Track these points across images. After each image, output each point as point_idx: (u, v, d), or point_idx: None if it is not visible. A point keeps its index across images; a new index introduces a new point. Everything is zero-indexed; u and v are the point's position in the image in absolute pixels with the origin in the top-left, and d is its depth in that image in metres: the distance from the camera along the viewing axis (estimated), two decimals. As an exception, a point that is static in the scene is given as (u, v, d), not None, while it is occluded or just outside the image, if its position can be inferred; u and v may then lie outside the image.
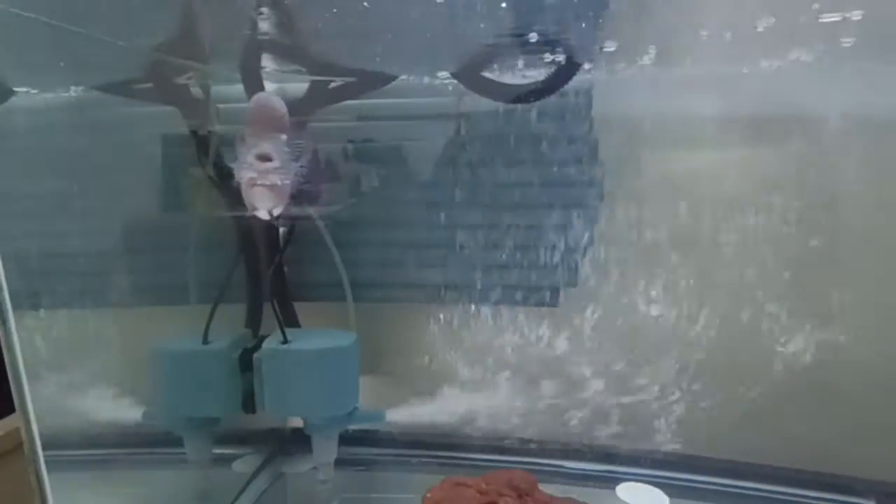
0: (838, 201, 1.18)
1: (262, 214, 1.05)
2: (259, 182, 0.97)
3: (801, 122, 1.17)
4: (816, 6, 0.98)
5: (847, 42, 1.05)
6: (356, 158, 1.34)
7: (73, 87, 1.17)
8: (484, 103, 1.26)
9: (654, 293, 1.26)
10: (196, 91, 1.16)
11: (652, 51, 1.14)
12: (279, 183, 0.99)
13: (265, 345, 1.15)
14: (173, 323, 1.30)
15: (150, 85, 1.11)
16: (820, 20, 1.01)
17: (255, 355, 1.15)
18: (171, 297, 1.33)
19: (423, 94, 1.27)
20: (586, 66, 1.18)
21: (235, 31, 1.09)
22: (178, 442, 1.19)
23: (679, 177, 1.24)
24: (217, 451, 1.22)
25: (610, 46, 1.13)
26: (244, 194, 1.02)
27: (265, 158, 0.96)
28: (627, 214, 1.25)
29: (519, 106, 1.25)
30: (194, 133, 1.18)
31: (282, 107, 1.00)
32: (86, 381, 1.28)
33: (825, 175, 1.19)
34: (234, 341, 1.18)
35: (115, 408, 1.26)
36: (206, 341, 1.16)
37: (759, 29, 1.01)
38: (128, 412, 1.24)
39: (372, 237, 1.39)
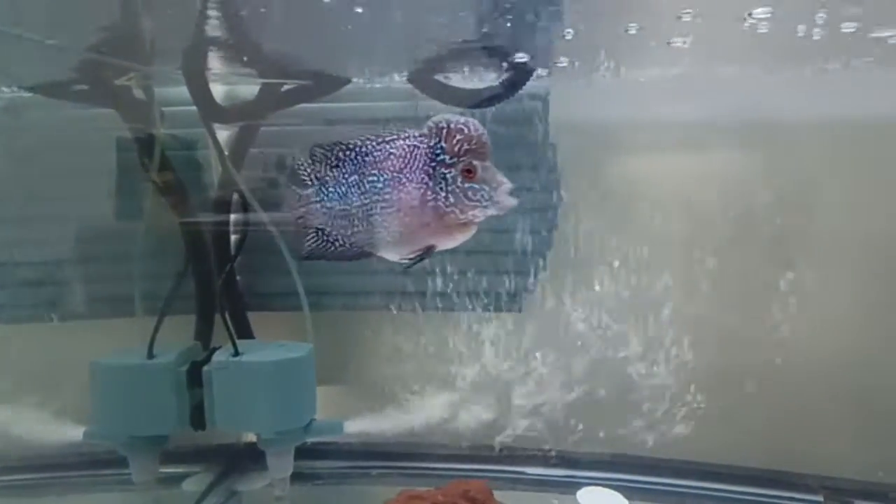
0: (800, 205, 1.22)
1: (401, 256, 0.85)
2: (482, 218, 0.80)
3: (762, 127, 1.20)
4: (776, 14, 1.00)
5: (813, 48, 1.08)
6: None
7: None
8: (442, 108, 1.25)
9: (612, 296, 1.27)
10: (138, 93, 1.11)
11: (610, 57, 1.16)
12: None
13: (215, 357, 1.10)
14: (116, 336, 1.24)
15: (86, 86, 1.05)
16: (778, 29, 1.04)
17: (205, 369, 1.10)
18: (113, 309, 1.27)
19: (381, 99, 1.25)
20: (542, 72, 1.18)
21: (179, 32, 1.04)
22: (122, 462, 1.12)
23: (637, 181, 1.25)
24: (164, 470, 1.16)
25: (565, 54, 1.14)
26: (433, 233, 0.80)
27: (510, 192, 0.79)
28: (586, 218, 1.26)
29: (476, 110, 1.24)
30: (137, 137, 1.12)
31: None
32: (19, 399, 1.21)
33: (786, 178, 1.22)
34: (182, 354, 1.13)
35: (52, 427, 1.19)
36: (151, 355, 1.10)
37: (726, 35, 1.03)
38: (67, 431, 1.17)
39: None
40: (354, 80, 1.18)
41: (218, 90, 1.22)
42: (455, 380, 1.29)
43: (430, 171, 0.79)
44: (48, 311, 1.29)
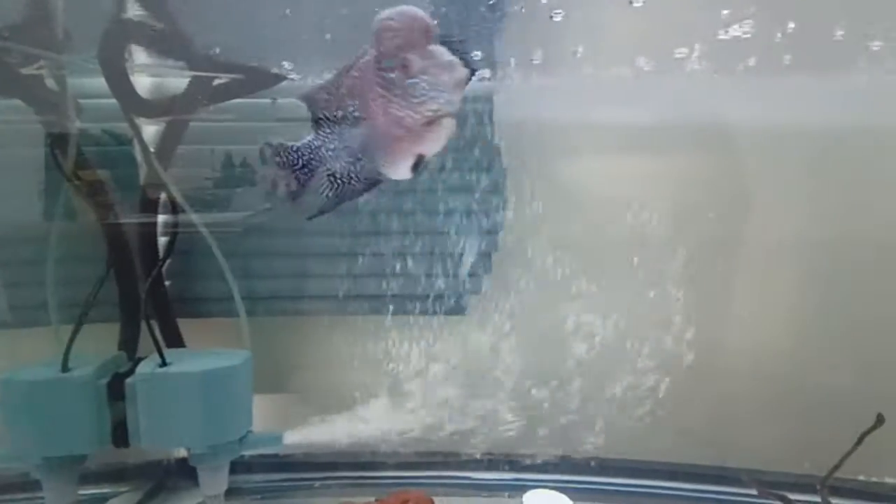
0: (742, 208, 1.25)
1: (404, 173, 0.80)
2: (446, 110, 0.73)
3: (701, 130, 1.23)
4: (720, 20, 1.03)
5: (750, 59, 1.11)
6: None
7: None
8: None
9: (557, 298, 1.27)
10: (50, 83, 1.02)
11: (554, 57, 1.15)
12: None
13: (140, 369, 1.03)
14: (31, 347, 1.14)
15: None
16: (720, 36, 1.07)
17: (128, 381, 1.02)
18: (25, 318, 1.17)
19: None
20: (487, 72, 1.16)
21: (96, 17, 0.97)
22: (35, 486, 1.03)
23: (583, 183, 1.26)
24: (85, 491, 1.08)
25: (511, 53, 1.13)
26: (410, 141, 0.76)
27: (447, 69, 0.72)
28: (531, 220, 1.25)
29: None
30: (49, 132, 1.03)
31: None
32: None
33: (724, 181, 1.25)
34: (103, 366, 1.05)
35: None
36: (66, 368, 1.01)
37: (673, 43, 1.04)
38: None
39: (272, 246, 1.30)
40: (294, 76, 1.12)
41: (145, 82, 1.15)
42: (399, 385, 1.26)
43: (381, 80, 0.76)
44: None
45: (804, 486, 1.03)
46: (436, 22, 0.75)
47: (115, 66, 0.94)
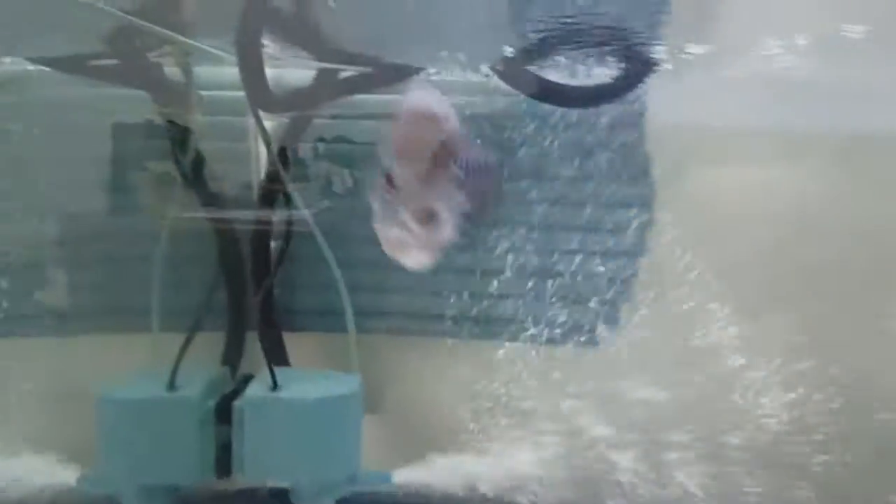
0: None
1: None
2: (408, 241, 0.64)
3: (868, 139, 1.06)
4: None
5: None
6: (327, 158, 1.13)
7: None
8: (506, 104, 1.09)
9: (705, 329, 1.11)
10: (172, 72, 0.93)
11: (714, 54, 1.01)
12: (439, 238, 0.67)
13: (249, 391, 0.92)
14: (128, 357, 1.05)
15: (112, 61, 0.87)
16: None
17: (236, 404, 0.92)
18: (126, 324, 1.07)
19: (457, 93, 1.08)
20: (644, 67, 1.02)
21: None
22: (120, 512, 0.93)
23: (738, 198, 1.10)
24: (173, 520, 0.97)
25: (670, 46, 0.99)
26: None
27: (428, 214, 0.61)
28: (678, 241, 1.10)
29: (558, 110, 1.08)
30: (170, 123, 0.94)
31: (440, 107, 0.59)
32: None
33: (886, 197, 1.08)
34: (210, 385, 0.94)
35: (40, 468, 0.99)
36: (172, 386, 0.91)
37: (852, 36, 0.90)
38: (57, 475, 0.97)
39: (368, 256, 1.18)
40: (434, 71, 1.01)
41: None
42: (522, 422, 1.12)
43: None
44: (38, 326, 1.10)
45: None
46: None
47: (252, 54, 0.84)
